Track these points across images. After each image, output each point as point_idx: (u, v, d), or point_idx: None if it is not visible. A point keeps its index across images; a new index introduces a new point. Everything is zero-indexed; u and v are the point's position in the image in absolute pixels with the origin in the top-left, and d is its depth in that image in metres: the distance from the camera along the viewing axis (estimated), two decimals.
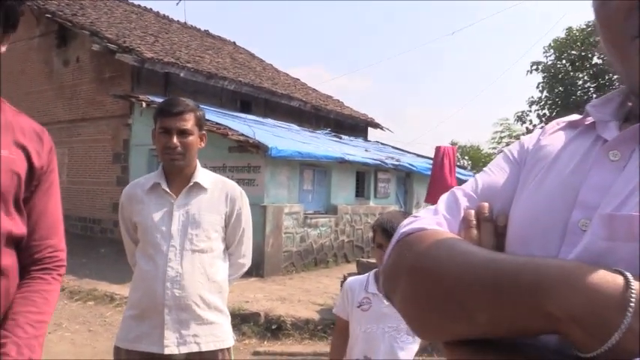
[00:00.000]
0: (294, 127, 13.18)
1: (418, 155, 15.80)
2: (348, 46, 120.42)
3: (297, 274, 8.77)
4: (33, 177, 1.31)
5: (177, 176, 2.12)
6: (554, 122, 0.78)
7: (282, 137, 9.98)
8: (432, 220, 0.71)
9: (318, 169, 9.94)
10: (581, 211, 0.60)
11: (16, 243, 1.29)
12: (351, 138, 15.08)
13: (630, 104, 0.68)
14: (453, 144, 29.36)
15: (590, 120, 0.70)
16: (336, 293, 6.88)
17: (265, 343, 5.35)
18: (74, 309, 6.45)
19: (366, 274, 2.18)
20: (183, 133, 2.05)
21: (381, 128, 18.75)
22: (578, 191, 0.62)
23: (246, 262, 2.28)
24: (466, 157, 31.31)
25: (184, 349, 2.00)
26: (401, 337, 2.01)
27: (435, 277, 0.61)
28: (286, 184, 8.93)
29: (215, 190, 2.15)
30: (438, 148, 8.39)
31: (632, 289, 0.48)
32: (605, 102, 0.71)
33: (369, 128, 18.73)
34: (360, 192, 11.30)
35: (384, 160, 11.60)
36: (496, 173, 0.76)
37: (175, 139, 2.03)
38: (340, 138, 13.98)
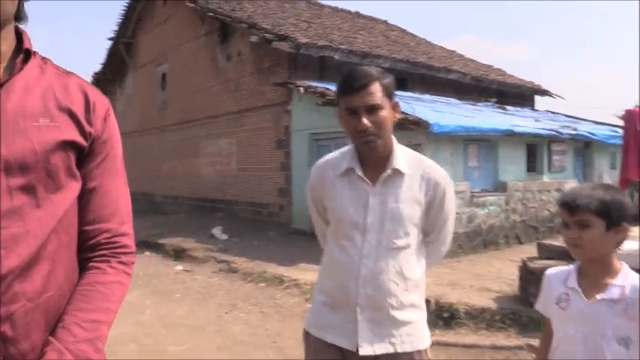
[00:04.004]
0: (454, 100, 12.47)
1: (598, 123, 14.03)
2: (497, 11, 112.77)
3: (466, 256, 8.21)
4: (84, 145, 1.08)
5: (371, 159, 1.84)
6: None
7: (443, 112, 9.42)
8: None
9: (484, 143, 9.20)
10: None
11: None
12: (517, 108, 13.90)
13: None
14: None
15: None
16: (511, 278, 6.25)
17: (437, 332, 4.97)
18: (247, 290, 6.72)
19: (569, 265, 1.78)
20: (372, 109, 1.75)
21: (551, 95, 17.01)
22: None
23: (446, 249, 2.04)
24: None
25: (378, 350, 1.79)
26: (609, 346, 1.57)
27: None
28: (450, 161, 8.38)
29: (415, 175, 1.84)
30: (628, 112, 7.22)
31: None
32: None
33: (536, 97, 17.12)
34: (532, 166, 10.26)
35: (559, 130, 10.42)
36: None
37: (365, 120, 1.74)
38: (505, 109, 12.94)
